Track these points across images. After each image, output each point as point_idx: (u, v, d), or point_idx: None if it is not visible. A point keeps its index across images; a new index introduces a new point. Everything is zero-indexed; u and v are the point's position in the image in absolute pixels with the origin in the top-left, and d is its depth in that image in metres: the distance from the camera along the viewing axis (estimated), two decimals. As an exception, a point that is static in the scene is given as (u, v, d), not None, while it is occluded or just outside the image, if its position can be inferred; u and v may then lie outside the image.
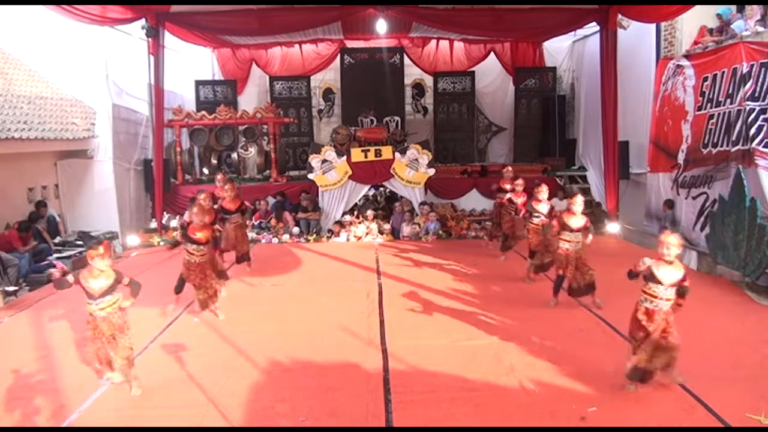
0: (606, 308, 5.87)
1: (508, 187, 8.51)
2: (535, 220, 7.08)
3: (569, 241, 5.91)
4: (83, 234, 9.59)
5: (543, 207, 7.07)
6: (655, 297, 3.99)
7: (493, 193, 9.41)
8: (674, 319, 4.03)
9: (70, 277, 4.14)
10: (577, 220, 5.90)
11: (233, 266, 8.01)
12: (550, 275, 6.78)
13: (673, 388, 4.11)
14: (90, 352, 4.25)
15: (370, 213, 10.60)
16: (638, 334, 4.07)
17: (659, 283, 3.97)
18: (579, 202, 5.92)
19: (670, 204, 9.15)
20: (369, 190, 11.30)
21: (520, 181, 8.02)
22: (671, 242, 3.94)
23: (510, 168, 9.07)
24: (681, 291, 4.03)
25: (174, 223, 10.50)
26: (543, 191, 7.06)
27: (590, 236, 6.08)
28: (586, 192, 12.09)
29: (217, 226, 6.37)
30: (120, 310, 4.20)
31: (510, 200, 7.99)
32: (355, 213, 10.86)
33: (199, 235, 5.71)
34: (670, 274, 3.97)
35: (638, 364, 4.02)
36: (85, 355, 4.40)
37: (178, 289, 6.08)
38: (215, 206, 7.26)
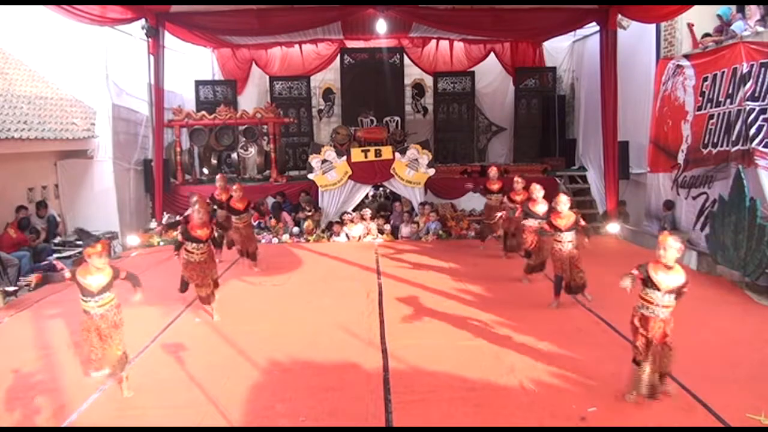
0: (605, 308, 5.85)
1: (495, 188, 8.49)
2: (531, 222, 6.85)
3: (560, 242, 5.90)
4: (81, 231, 9.34)
5: (540, 208, 6.79)
6: (651, 303, 3.79)
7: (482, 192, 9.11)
8: (674, 319, 3.94)
9: (66, 273, 4.12)
10: (564, 220, 5.83)
11: (237, 261, 8.23)
12: (551, 275, 6.79)
13: (673, 389, 4.10)
14: (85, 352, 4.16)
15: (369, 212, 10.60)
16: (637, 340, 3.89)
17: (656, 288, 3.74)
18: (563, 201, 5.85)
19: (669, 205, 9.15)
20: (369, 190, 11.29)
21: (518, 179, 7.94)
22: (669, 244, 3.67)
23: (495, 168, 8.78)
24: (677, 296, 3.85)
25: (164, 220, 10.42)
26: (537, 191, 6.83)
27: (586, 239, 6.04)
28: (586, 192, 12.11)
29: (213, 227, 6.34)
30: (116, 308, 4.16)
31: (510, 199, 7.88)
32: (353, 213, 10.84)
33: (200, 233, 5.73)
34: (668, 279, 3.72)
35: (644, 377, 3.80)
36: (82, 355, 4.29)
37: (183, 289, 6.09)
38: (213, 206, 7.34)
